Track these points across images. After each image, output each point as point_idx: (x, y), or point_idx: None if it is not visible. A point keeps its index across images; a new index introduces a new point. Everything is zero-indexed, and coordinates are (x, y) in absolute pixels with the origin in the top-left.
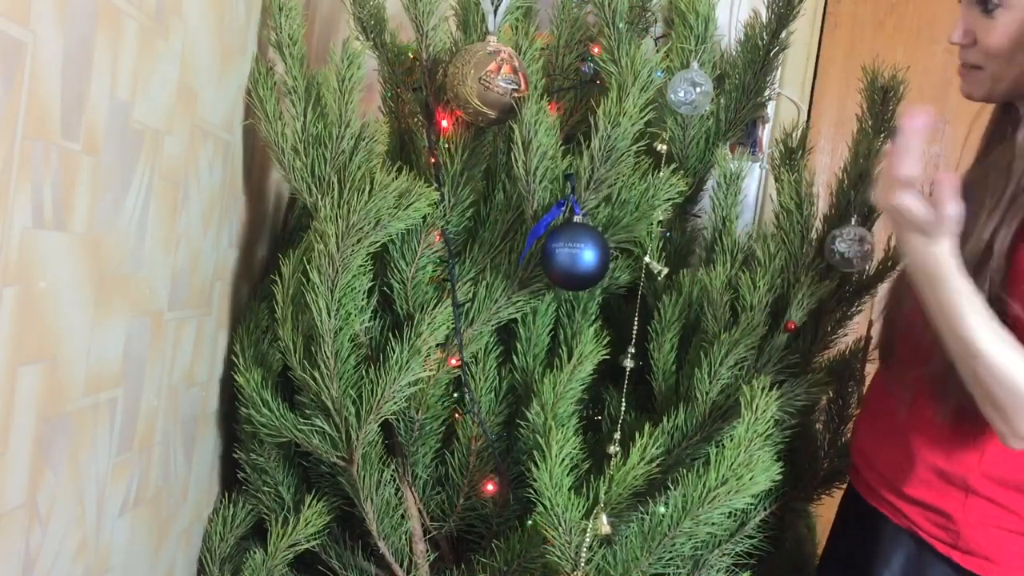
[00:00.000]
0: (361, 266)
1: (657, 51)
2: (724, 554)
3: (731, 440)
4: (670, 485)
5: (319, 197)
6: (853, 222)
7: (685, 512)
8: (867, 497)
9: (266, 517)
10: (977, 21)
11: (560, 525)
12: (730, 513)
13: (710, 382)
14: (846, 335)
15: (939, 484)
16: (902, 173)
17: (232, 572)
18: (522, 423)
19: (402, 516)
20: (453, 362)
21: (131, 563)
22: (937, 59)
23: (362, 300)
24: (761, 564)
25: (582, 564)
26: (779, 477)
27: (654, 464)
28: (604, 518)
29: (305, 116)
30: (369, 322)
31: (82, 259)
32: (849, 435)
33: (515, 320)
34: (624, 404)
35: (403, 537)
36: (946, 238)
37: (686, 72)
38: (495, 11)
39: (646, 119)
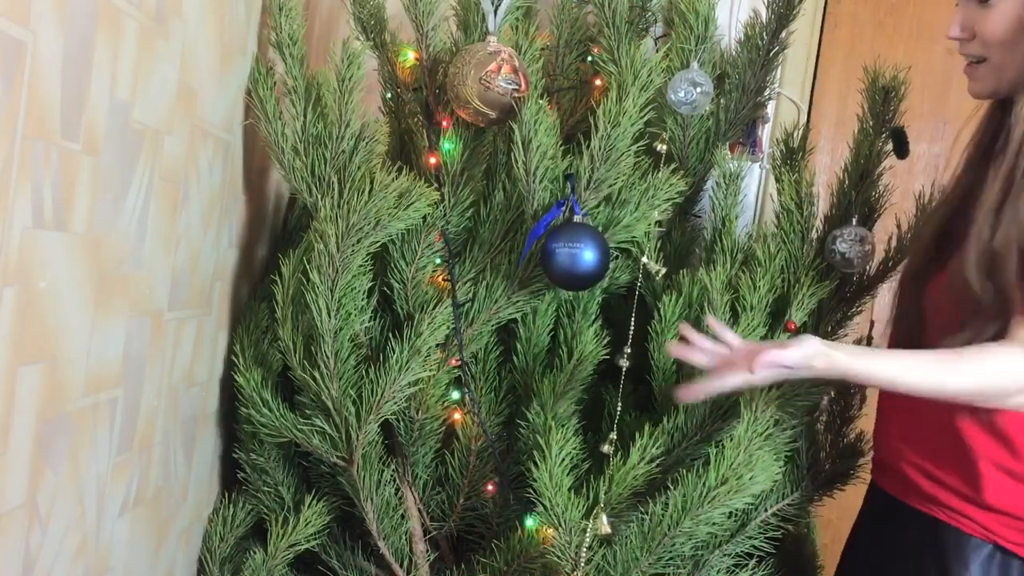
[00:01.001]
0: (361, 266)
1: (657, 51)
2: (724, 554)
3: (731, 440)
4: (670, 485)
5: (319, 197)
6: (854, 222)
7: (685, 512)
8: (918, 505)
9: (266, 517)
10: (974, 13)
11: (560, 525)
12: (730, 513)
13: None
14: (846, 335)
15: (1012, 486)
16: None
17: (232, 572)
18: (522, 423)
19: (402, 516)
20: (453, 362)
21: (131, 563)
22: (937, 59)
23: (362, 300)
24: (761, 564)
25: (582, 564)
26: (779, 477)
27: (654, 464)
28: (604, 518)
29: (305, 116)
30: (369, 322)
31: (82, 259)
32: (852, 436)
33: (515, 320)
34: (620, 404)
35: (403, 537)
36: (817, 357)
37: (686, 72)
38: (495, 11)
39: (646, 119)
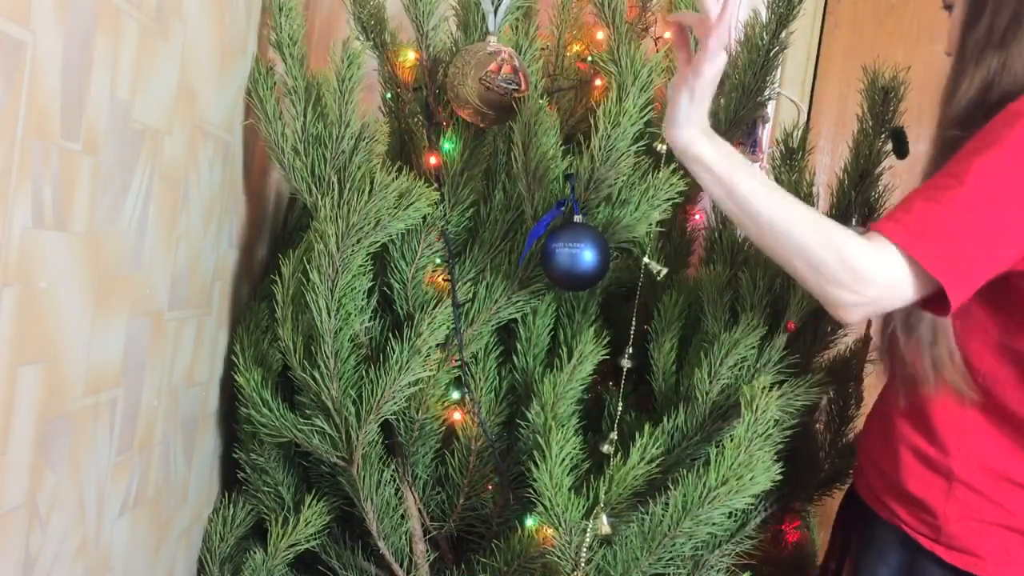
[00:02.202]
0: (361, 266)
1: (657, 51)
2: (724, 554)
3: (731, 440)
4: (670, 485)
5: (319, 197)
6: (854, 222)
7: (685, 512)
8: (866, 498)
9: (266, 517)
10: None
11: (560, 525)
12: (730, 513)
13: (710, 382)
14: (846, 335)
15: (924, 474)
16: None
17: (232, 572)
18: (522, 423)
19: (402, 516)
20: (453, 362)
21: (131, 563)
22: (937, 59)
23: (362, 300)
24: (761, 564)
25: (582, 564)
26: (779, 477)
27: (654, 464)
28: (604, 518)
29: (305, 116)
30: (369, 322)
31: (82, 259)
32: (851, 436)
33: (515, 320)
34: (622, 404)
35: (403, 537)
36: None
37: None
38: (495, 11)
39: (646, 119)
